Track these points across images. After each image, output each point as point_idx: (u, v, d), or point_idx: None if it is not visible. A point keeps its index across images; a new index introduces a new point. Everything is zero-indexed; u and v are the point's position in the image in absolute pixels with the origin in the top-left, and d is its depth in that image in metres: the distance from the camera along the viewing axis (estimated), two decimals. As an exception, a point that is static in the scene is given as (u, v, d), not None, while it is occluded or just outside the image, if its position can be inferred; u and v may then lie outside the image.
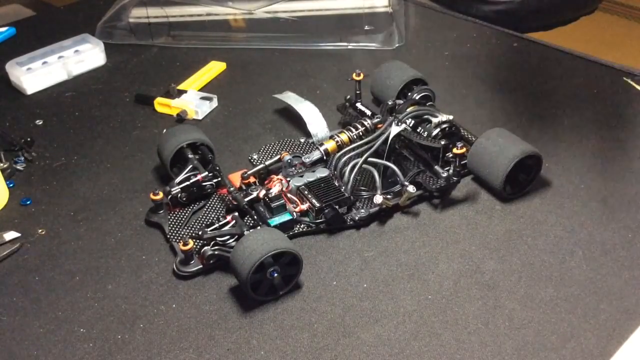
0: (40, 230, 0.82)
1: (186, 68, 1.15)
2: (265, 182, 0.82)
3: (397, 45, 1.18)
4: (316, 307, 0.71)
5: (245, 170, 0.84)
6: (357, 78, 0.95)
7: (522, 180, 0.83)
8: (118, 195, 0.88)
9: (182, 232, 0.79)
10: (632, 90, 1.03)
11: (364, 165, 0.81)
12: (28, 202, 0.87)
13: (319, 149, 0.86)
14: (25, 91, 1.11)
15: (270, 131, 0.99)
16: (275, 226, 0.77)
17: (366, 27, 1.20)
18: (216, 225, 0.76)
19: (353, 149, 0.83)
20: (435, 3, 1.43)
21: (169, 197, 0.81)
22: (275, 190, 0.80)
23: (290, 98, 0.97)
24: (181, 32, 1.28)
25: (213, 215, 0.80)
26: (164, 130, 0.95)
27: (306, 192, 0.80)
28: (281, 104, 1.01)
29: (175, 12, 1.35)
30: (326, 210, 0.78)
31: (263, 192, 0.79)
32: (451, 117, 0.85)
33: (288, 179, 0.82)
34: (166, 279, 0.75)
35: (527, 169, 0.82)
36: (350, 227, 0.80)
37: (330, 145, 0.86)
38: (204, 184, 0.82)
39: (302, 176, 0.82)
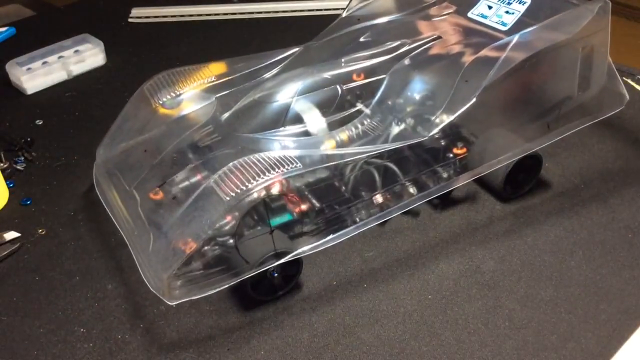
0: (40, 230, 0.82)
1: (186, 68, 1.15)
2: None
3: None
4: (316, 307, 0.71)
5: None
6: (357, 78, 0.95)
7: (522, 180, 0.83)
8: (118, 195, 0.88)
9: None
10: (632, 90, 1.03)
11: (364, 166, 0.81)
12: (28, 202, 0.87)
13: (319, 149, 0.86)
14: (25, 91, 1.11)
15: (270, 131, 0.98)
16: (275, 226, 0.76)
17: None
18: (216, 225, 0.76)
19: (353, 149, 0.83)
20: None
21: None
22: (275, 190, 0.79)
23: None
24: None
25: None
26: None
27: (306, 192, 0.80)
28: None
29: (175, 12, 1.35)
30: (326, 211, 0.78)
31: (263, 192, 0.79)
32: (451, 117, 0.84)
33: (288, 179, 0.81)
34: (166, 279, 0.75)
35: (527, 169, 0.82)
36: (351, 227, 0.80)
37: (330, 145, 0.86)
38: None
39: (302, 176, 0.82)
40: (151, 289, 0.66)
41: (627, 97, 0.84)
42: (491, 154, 0.79)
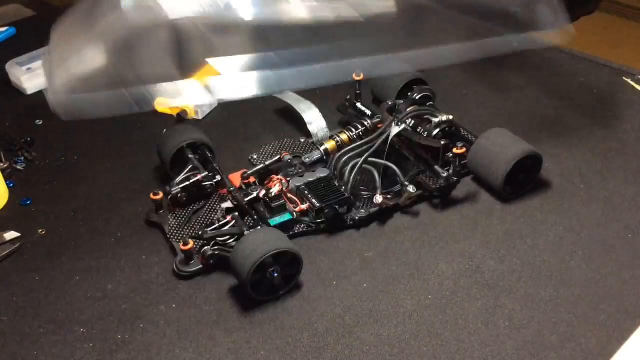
0: (40, 230, 0.82)
1: (186, 68, 1.15)
2: (266, 182, 0.82)
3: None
4: (316, 307, 0.71)
5: (245, 170, 0.84)
6: (357, 78, 0.95)
7: (522, 180, 0.83)
8: (118, 195, 0.88)
9: (182, 232, 0.79)
10: (632, 90, 1.03)
11: (364, 165, 0.81)
12: (28, 202, 0.87)
13: (319, 149, 0.86)
14: (25, 91, 1.11)
15: (270, 131, 0.99)
16: (275, 226, 0.77)
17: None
18: (216, 225, 0.76)
19: (353, 149, 0.83)
20: (434, 3, 1.42)
21: (169, 197, 0.81)
22: (275, 190, 0.80)
23: (291, 98, 0.97)
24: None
25: (213, 215, 0.80)
26: (164, 130, 0.96)
27: (306, 192, 0.80)
28: (281, 104, 1.00)
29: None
30: (326, 210, 0.78)
31: (263, 192, 0.79)
32: (451, 117, 0.85)
33: (288, 179, 0.82)
34: (166, 279, 0.75)
35: (527, 169, 0.82)
36: (350, 227, 0.80)
37: (330, 145, 0.86)
38: (204, 184, 0.82)
39: (302, 176, 0.82)
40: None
41: (568, 19, 0.81)
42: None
